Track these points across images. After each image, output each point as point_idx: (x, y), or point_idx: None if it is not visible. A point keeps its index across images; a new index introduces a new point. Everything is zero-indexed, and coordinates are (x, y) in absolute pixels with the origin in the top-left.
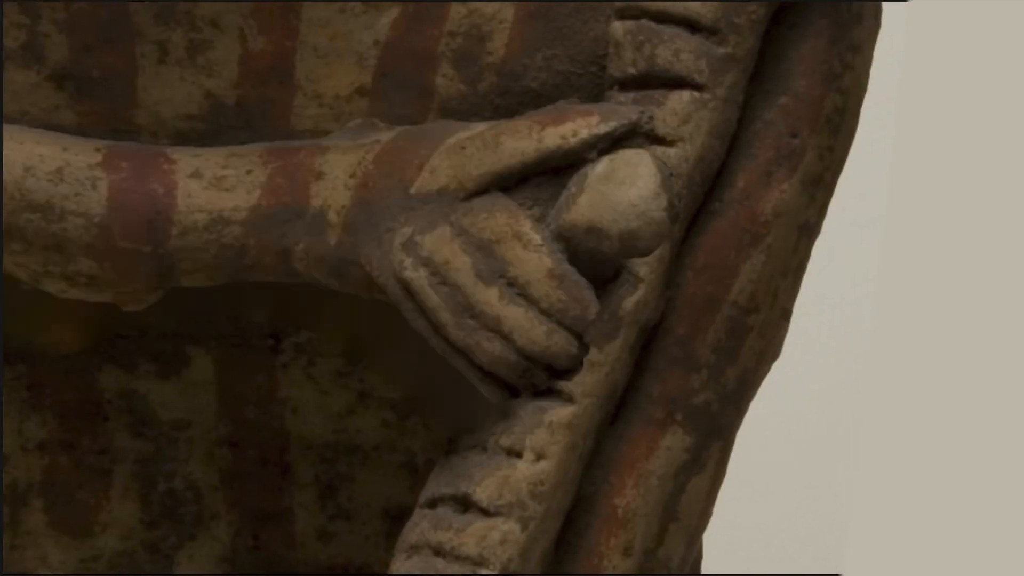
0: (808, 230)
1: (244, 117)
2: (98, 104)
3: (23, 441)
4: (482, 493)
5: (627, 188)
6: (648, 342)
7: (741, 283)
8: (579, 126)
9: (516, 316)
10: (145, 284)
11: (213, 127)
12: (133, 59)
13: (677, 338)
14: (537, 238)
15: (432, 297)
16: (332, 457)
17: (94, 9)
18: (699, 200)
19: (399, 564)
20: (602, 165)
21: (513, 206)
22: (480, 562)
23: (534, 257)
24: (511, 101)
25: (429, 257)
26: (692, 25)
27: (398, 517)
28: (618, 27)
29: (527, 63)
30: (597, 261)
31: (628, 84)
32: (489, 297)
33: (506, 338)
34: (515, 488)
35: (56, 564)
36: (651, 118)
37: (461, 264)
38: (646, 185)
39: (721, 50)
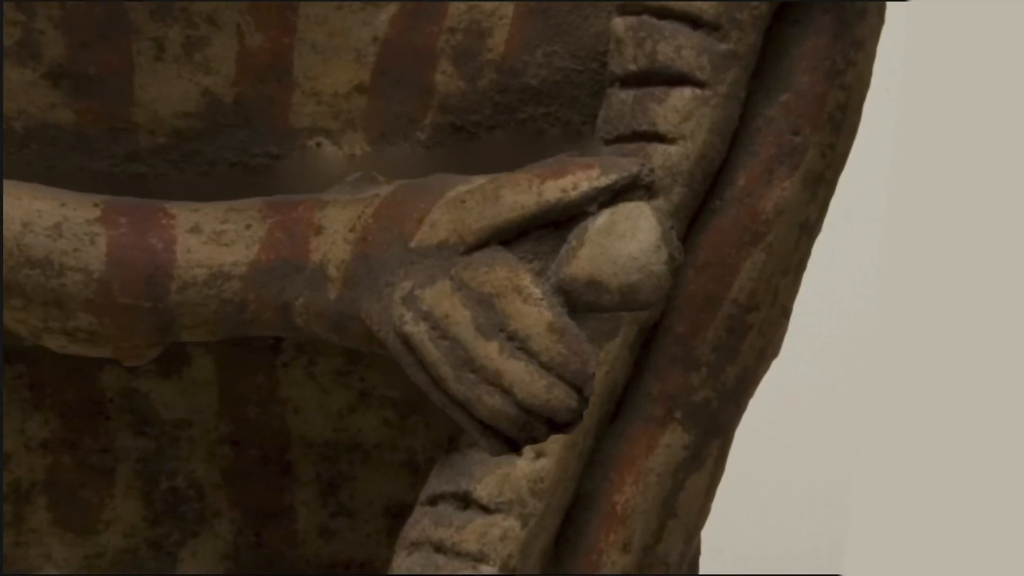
0: (809, 228)
1: (242, 115)
2: (95, 102)
3: (26, 440)
4: (482, 490)
5: (628, 242)
6: (648, 340)
7: (741, 281)
8: (579, 179)
9: (516, 370)
10: (145, 339)
11: (211, 125)
12: (130, 56)
13: (677, 336)
14: (537, 292)
15: (432, 351)
16: (333, 455)
17: (90, 6)
18: (700, 198)
19: (400, 561)
20: (603, 218)
21: (513, 260)
22: (480, 559)
23: (534, 311)
24: (511, 98)
25: (429, 311)
26: (694, 21)
27: (399, 515)
28: (619, 23)
29: (527, 59)
30: (597, 314)
31: (629, 81)
32: (489, 351)
33: (506, 392)
34: (515, 485)
35: (60, 562)
36: (651, 171)
37: (461, 318)
38: (647, 238)
39: (723, 46)
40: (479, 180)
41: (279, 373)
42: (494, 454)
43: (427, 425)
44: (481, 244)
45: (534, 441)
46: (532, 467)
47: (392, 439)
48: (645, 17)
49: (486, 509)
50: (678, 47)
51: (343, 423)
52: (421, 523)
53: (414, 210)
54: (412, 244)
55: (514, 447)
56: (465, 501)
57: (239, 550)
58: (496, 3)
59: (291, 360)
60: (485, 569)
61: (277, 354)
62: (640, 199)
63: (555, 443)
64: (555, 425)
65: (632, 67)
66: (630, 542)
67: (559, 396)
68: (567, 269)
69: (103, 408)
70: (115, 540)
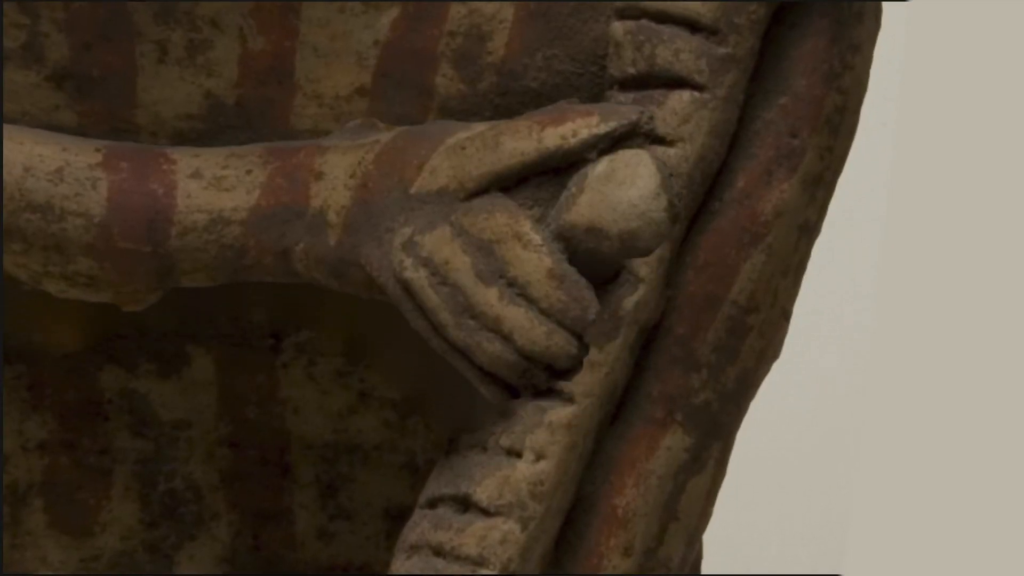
0: (808, 230)
1: (244, 117)
2: (98, 104)
3: (23, 441)
4: (482, 493)
5: (627, 188)
6: (648, 341)
7: (741, 282)
8: (579, 126)
9: (516, 316)
10: (145, 284)
11: (213, 127)
12: (133, 59)
13: (677, 337)
14: (537, 238)
15: (432, 297)
16: (332, 457)
17: (93, 9)
18: (699, 200)
19: (399, 564)
20: (602, 165)
21: (513, 206)
22: (480, 562)
23: (534, 257)
24: (511, 101)
25: (429, 257)
26: (692, 25)
27: (398, 517)
28: (618, 27)
29: (527, 63)
30: (597, 261)
31: (628, 84)
32: (489, 297)
33: (506, 338)
34: (515, 488)
35: (56, 564)
36: (651, 118)
37: (461, 264)
38: (646, 185)
39: (721, 50)
40: (479, 127)
41: (279, 374)
42: (494, 400)
43: (427, 426)
44: (481, 190)
45: (534, 388)
46: (532, 469)
47: (392, 440)
48: (644, 21)
49: (486, 512)
50: (676, 51)
51: (343, 424)
52: (420, 526)
53: (414, 156)
54: (412, 190)
55: (514, 394)
56: (465, 504)
57: (237, 553)
58: (496, 6)
59: (291, 361)
60: (485, 572)
61: (277, 355)
62: (640, 146)
63: (555, 445)
64: (555, 372)
65: (631, 70)
66: (631, 545)
67: (559, 342)
68: (567, 216)
69: (101, 409)
70: (112, 542)
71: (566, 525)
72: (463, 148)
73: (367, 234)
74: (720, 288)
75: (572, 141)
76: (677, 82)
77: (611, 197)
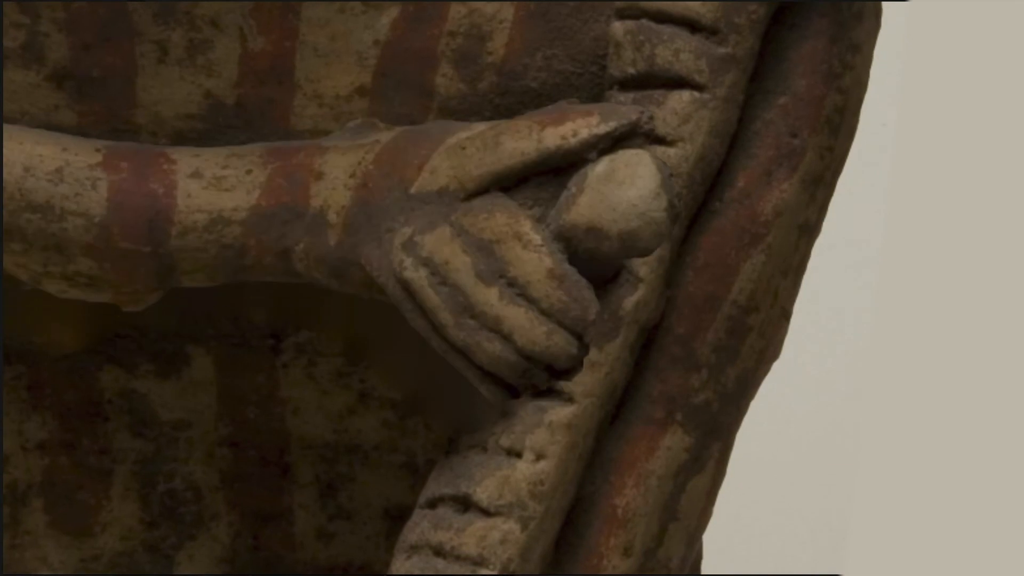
0: (808, 230)
1: (244, 117)
2: (98, 104)
3: (23, 441)
4: (482, 493)
5: (627, 188)
6: (648, 341)
7: (741, 282)
8: (579, 126)
9: (516, 316)
10: (145, 284)
11: (213, 127)
12: (133, 59)
13: (677, 337)
14: (537, 238)
15: (432, 297)
16: (332, 457)
17: (93, 9)
18: (699, 199)
19: (399, 564)
20: (602, 165)
21: (513, 206)
22: (480, 562)
23: (534, 257)
24: (511, 101)
25: (429, 257)
26: (692, 25)
27: (398, 517)
28: (618, 27)
29: (527, 63)
30: (597, 261)
31: (628, 84)
32: (489, 297)
33: (506, 338)
34: (515, 488)
35: (56, 564)
36: (651, 118)
37: (461, 264)
38: (646, 185)
39: (721, 50)
40: (479, 127)
41: (279, 374)
42: (494, 400)
43: (427, 427)
44: (481, 190)
45: (534, 388)
46: (532, 469)
47: (392, 441)
48: (644, 21)
49: (486, 512)
50: (676, 50)
51: (343, 424)
52: (420, 526)
53: (414, 156)
54: (412, 190)
55: (514, 394)
56: (465, 504)
57: (237, 553)
58: (496, 7)
59: (291, 361)
60: (485, 572)
61: (277, 355)
62: (640, 146)
63: (555, 445)
64: (555, 372)
65: (631, 70)
66: (631, 545)
67: (559, 342)
68: (567, 216)
69: (101, 409)
70: (112, 543)
71: (566, 525)
72: (463, 148)
73: (367, 234)
74: (720, 288)
75: (572, 141)
76: (677, 82)
77: (611, 197)
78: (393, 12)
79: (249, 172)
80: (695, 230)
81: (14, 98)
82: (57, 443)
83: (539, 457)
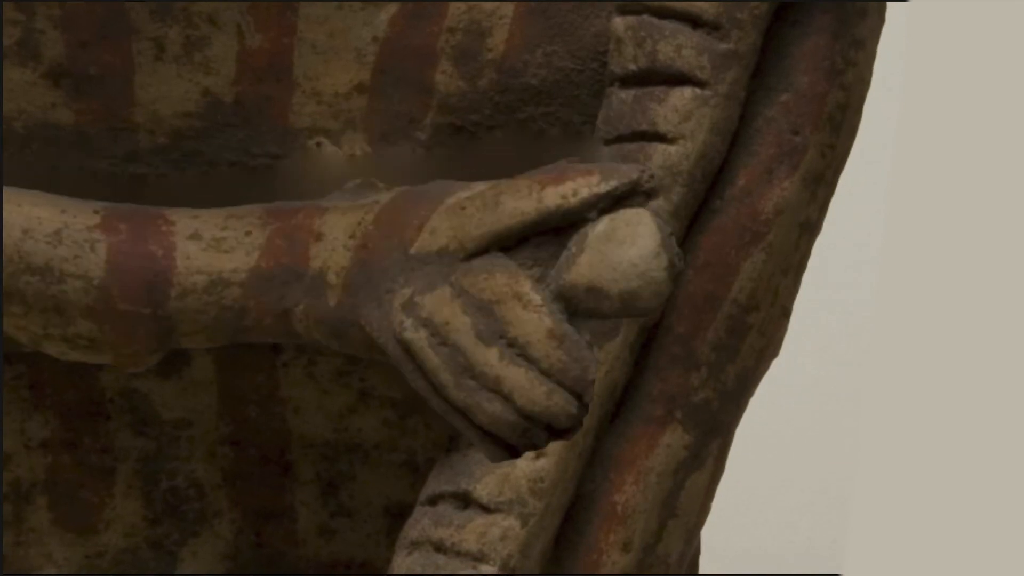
0: (809, 228)
1: (242, 115)
2: (95, 102)
3: (26, 440)
4: (482, 490)
5: (627, 248)
6: (648, 340)
7: (742, 281)
8: (579, 185)
9: (516, 377)
10: (145, 346)
11: (211, 125)
12: (130, 56)
13: (677, 336)
14: (537, 298)
15: (432, 358)
16: (333, 455)
17: (90, 6)
18: (700, 198)
19: (400, 561)
20: (602, 225)
21: (513, 266)
22: (480, 558)
23: (534, 318)
24: (511, 98)
25: (429, 318)
26: (694, 21)
27: (399, 514)
28: (619, 23)
29: (527, 59)
30: (597, 320)
31: (629, 80)
32: (489, 358)
33: (506, 398)
34: (515, 485)
35: (60, 561)
36: (652, 176)
37: (461, 325)
38: (646, 245)
39: (723, 46)
40: (479, 187)
41: (279, 373)
42: (494, 460)
43: (427, 425)
44: (481, 250)
45: (534, 447)
46: (532, 467)
47: (392, 439)
48: (645, 17)
49: (486, 509)
50: (678, 47)
51: (343, 423)
52: (421, 523)
53: (414, 217)
54: (412, 251)
55: (514, 453)
56: (465, 501)
57: (239, 550)
58: (496, 3)
59: (291, 360)
60: (485, 569)
61: (277, 354)
62: (640, 205)
63: (555, 443)
64: (555, 431)
65: (632, 67)
66: (630, 542)
67: (559, 402)
68: (567, 276)
69: (103, 408)
70: (115, 540)
71: (566, 522)
72: (463, 208)
73: (367, 295)
74: (720, 287)
75: (572, 201)
76: (679, 78)
77: (611, 257)
78: (392, 9)
79: (248, 233)
80: (696, 229)
81: (11, 96)
82: (59, 442)
83: (539, 454)
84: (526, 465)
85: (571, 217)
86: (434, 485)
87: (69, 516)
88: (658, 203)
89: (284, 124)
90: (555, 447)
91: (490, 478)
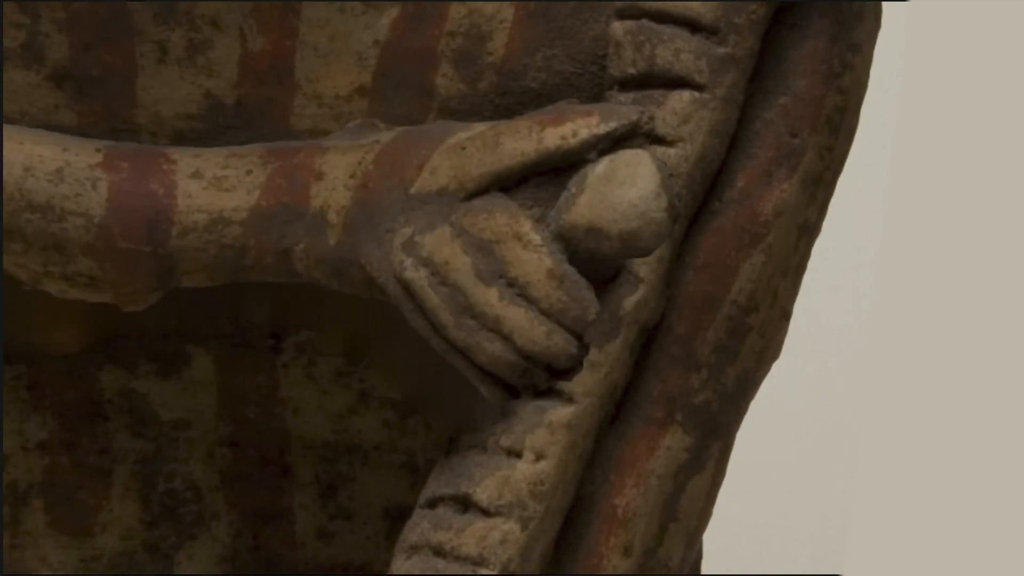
0: (808, 230)
1: (244, 117)
2: (98, 104)
3: (23, 441)
4: (482, 493)
5: (627, 188)
6: (648, 341)
7: (741, 282)
8: (579, 126)
9: (516, 316)
10: (145, 284)
11: (213, 127)
12: (133, 59)
13: (677, 337)
14: (537, 238)
15: (432, 297)
16: (332, 457)
17: (93, 9)
18: (699, 199)
19: (399, 564)
20: (602, 165)
21: (513, 206)
22: (480, 562)
23: (534, 257)
24: (511, 101)
25: (429, 257)
26: (692, 25)
27: (398, 517)
28: (618, 27)
29: (527, 63)
30: (597, 261)
31: (628, 84)
32: (489, 297)
33: (506, 338)
34: (515, 488)
35: (56, 564)
36: (651, 118)
37: (461, 264)
38: (646, 185)
39: (721, 50)
40: (479, 127)
41: (279, 374)
42: (494, 400)
43: (427, 426)
44: (481, 191)
45: (534, 388)
46: (532, 469)
47: (391, 440)
48: (644, 21)
49: (486, 512)
50: (676, 50)
51: (343, 424)
52: (420, 526)
53: (414, 156)
54: (412, 190)
55: (514, 394)
56: (465, 504)
57: (237, 552)
58: (496, 6)
59: (291, 361)
60: (485, 572)
61: (277, 355)
62: (640, 146)
63: (555, 445)
64: (555, 372)
65: (631, 70)
66: (631, 545)
67: (559, 342)
68: (567, 216)
69: (101, 409)
70: (112, 542)
71: (566, 525)
72: (463, 148)
73: (367, 234)
74: (720, 288)
75: (572, 141)
76: (677, 82)
77: (611, 197)
78: (393, 12)
79: (249, 172)
80: (695, 230)
81: (14, 98)
82: (57, 443)
83: (539, 457)
84: (526, 468)
85: (571, 158)
86: (433, 487)
87: (65, 519)
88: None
89: (286, 126)
90: (555, 449)
91: (490, 481)
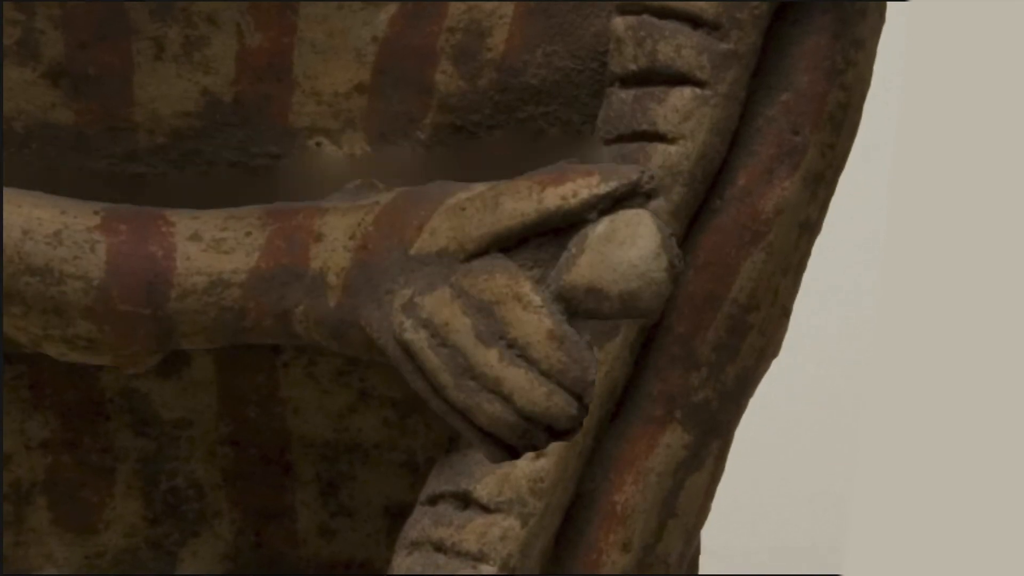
0: (809, 227)
1: (241, 114)
2: (94, 102)
3: (26, 440)
4: (482, 490)
5: (628, 249)
6: (648, 340)
7: (742, 281)
8: (579, 186)
9: (516, 377)
10: (144, 347)
11: (210, 124)
12: (129, 56)
13: (677, 336)
14: (537, 299)
15: (432, 359)
16: (333, 455)
17: (90, 6)
18: (700, 197)
19: (400, 561)
20: (602, 226)
21: (513, 267)
22: (480, 558)
23: (534, 319)
24: (511, 97)
25: (429, 319)
26: (694, 21)
27: (399, 515)
28: (619, 23)
29: (527, 59)
30: (597, 321)
31: (629, 80)
32: (489, 359)
33: (506, 399)
34: (515, 485)
35: (60, 561)
36: (652, 177)
37: (461, 326)
38: (647, 246)
39: (723, 46)
40: (479, 187)
41: (279, 373)
42: (494, 461)
43: (427, 425)
44: (481, 251)
45: (534, 448)
46: (532, 467)
47: (392, 439)
48: (645, 17)
49: (486, 509)
50: (678, 47)
51: (343, 423)
52: (421, 523)
53: (414, 217)
54: (412, 251)
55: (514, 454)
56: (465, 501)
57: (239, 550)
58: (496, 3)
59: (291, 360)
60: (485, 569)
61: (277, 354)
62: (640, 206)
63: (555, 443)
64: (555, 432)
65: (632, 67)
66: (630, 542)
67: (559, 403)
68: (567, 276)
69: (103, 408)
70: (115, 540)
71: (566, 521)
72: (463, 209)
73: (367, 296)
74: (720, 286)
75: (572, 201)
76: (679, 78)
77: (611, 258)
78: (392, 8)
79: (248, 234)
80: (696, 228)
81: (10, 96)
82: (59, 442)
83: (539, 455)
84: (526, 465)
85: (571, 218)
86: (434, 485)
87: (69, 516)
88: (658, 203)
89: (284, 124)
90: (555, 447)
91: (490, 478)
